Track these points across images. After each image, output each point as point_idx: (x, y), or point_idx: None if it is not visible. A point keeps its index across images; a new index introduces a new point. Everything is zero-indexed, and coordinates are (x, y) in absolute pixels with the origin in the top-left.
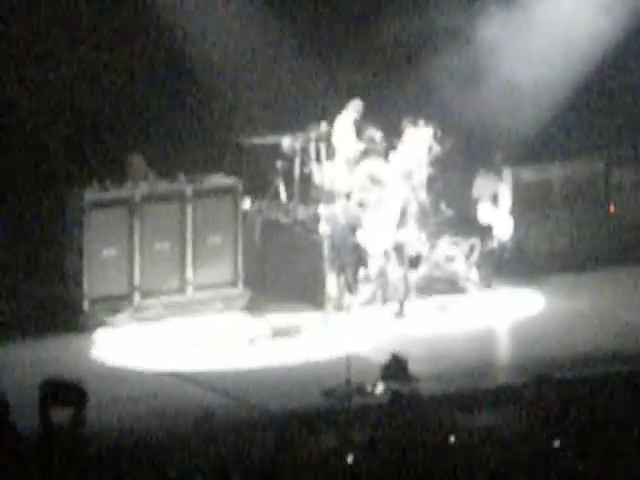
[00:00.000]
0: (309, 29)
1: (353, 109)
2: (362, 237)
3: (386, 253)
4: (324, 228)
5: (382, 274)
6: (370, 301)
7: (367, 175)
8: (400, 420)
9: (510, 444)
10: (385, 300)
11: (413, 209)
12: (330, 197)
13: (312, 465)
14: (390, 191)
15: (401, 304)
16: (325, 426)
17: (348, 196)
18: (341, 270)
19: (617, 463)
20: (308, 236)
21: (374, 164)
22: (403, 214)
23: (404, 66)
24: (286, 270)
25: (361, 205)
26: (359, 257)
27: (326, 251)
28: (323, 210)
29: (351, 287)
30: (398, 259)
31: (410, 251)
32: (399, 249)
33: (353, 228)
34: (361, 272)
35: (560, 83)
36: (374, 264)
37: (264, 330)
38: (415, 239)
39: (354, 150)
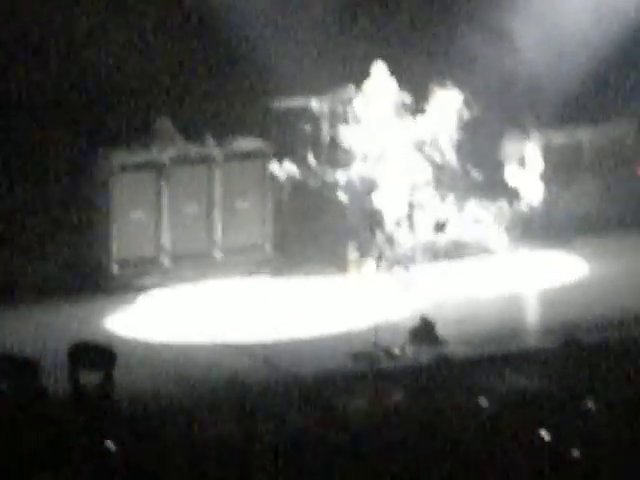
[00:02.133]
0: None
1: (376, 72)
2: (378, 201)
3: (398, 219)
4: (342, 192)
5: (390, 240)
6: (387, 267)
7: (393, 138)
8: (434, 383)
9: (540, 406)
10: (392, 266)
11: (427, 175)
12: (353, 160)
13: (343, 428)
14: (400, 155)
15: (409, 271)
16: (356, 389)
17: (366, 159)
18: (359, 234)
19: None
20: (335, 199)
21: (401, 127)
22: (415, 180)
23: (433, 28)
24: (314, 233)
25: (379, 169)
26: (376, 222)
27: (347, 215)
28: (341, 174)
29: (369, 252)
30: (409, 225)
31: (427, 216)
32: (411, 215)
33: (369, 192)
34: (378, 237)
35: (590, 46)
36: (389, 229)
37: (290, 294)
38: (431, 204)
39: (382, 113)
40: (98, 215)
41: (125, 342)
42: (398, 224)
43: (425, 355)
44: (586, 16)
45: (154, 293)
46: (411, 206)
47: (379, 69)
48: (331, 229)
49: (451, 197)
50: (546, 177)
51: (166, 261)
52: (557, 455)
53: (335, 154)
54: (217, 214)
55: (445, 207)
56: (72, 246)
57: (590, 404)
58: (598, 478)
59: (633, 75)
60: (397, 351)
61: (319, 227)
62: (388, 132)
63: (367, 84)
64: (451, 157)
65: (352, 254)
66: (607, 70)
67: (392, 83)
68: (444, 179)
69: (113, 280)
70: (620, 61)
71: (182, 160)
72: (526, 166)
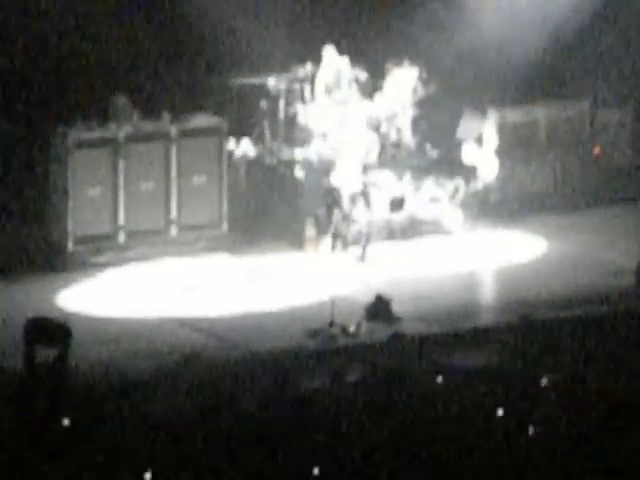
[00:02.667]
0: None
1: (327, 55)
2: (336, 180)
3: (352, 197)
4: (299, 170)
5: (346, 218)
6: (342, 245)
7: (348, 117)
8: (389, 360)
9: (496, 384)
10: (347, 244)
11: (384, 153)
12: (310, 138)
13: (301, 404)
14: (356, 133)
15: (363, 248)
16: (312, 366)
17: (324, 138)
18: (316, 212)
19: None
20: (292, 177)
21: (357, 106)
22: (366, 157)
23: (389, 6)
24: (270, 211)
25: (336, 148)
26: (333, 200)
27: (303, 193)
28: (299, 152)
29: (325, 230)
30: (365, 203)
31: (384, 195)
32: (365, 193)
33: (327, 170)
34: (335, 215)
35: (546, 24)
36: (346, 207)
37: (246, 271)
38: (388, 183)
39: (338, 91)
40: (54, 192)
41: (81, 318)
42: (355, 202)
43: (380, 332)
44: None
45: (110, 270)
46: (367, 184)
47: (329, 53)
48: (288, 207)
49: (408, 175)
50: (502, 155)
51: (122, 238)
52: (513, 433)
53: (292, 132)
54: (173, 191)
55: (402, 185)
56: (28, 223)
57: (544, 381)
58: (553, 456)
59: (589, 54)
60: (352, 328)
61: (276, 205)
62: (344, 110)
63: (322, 64)
64: (408, 135)
65: (309, 232)
66: (563, 48)
67: (345, 63)
68: (401, 157)
69: (69, 257)
70: (577, 39)
71: (138, 137)
72: (483, 144)
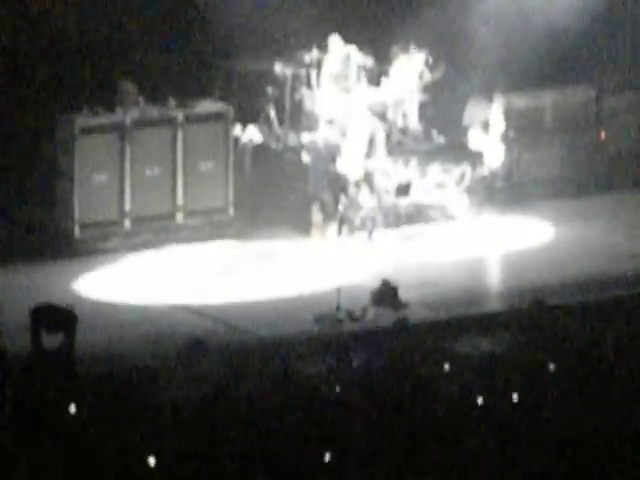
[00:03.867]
0: None
1: (333, 45)
2: (342, 165)
3: (357, 182)
4: (306, 156)
5: (352, 203)
6: (348, 230)
7: (354, 103)
8: (397, 346)
9: (503, 369)
10: (354, 229)
11: (391, 139)
12: (315, 124)
13: (305, 390)
14: (362, 119)
15: (370, 233)
16: (318, 351)
17: (330, 123)
18: (323, 198)
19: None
20: (298, 162)
21: (363, 92)
22: (372, 143)
23: None
24: (276, 196)
25: (342, 133)
26: (339, 185)
27: (310, 178)
28: (305, 138)
29: (332, 215)
30: (369, 188)
31: (390, 180)
32: (369, 178)
33: (333, 156)
34: (342, 200)
35: (554, 9)
36: (352, 193)
37: (252, 257)
38: (387, 168)
39: (345, 77)
40: (61, 178)
41: (87, 304)
42: (361, 188)
43: (386, 318)
44: None
45: (116, 256)
46: (374, 170)
47: (335, 42)
48: (294, 192)
49: (414, 161)
50: (508, 141)
51: (128, 224)
52: (522, 417)
53: (298, 118)
54: (179, 177)
55: (408, 171)
56: (35, 209)
57: (552, 367)
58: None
59: (596, 39)
60: (358, 314)
61: (282, 190)
62: (351, 96)
63: (328, 53)
64: (414, 121)
65: (315, 217)
66: (570, 33)
67: (353, 50)
68: (407, 143)
69: (76, 243)
70: (584, 24)
71: (145, 122)
72: (489, 130)
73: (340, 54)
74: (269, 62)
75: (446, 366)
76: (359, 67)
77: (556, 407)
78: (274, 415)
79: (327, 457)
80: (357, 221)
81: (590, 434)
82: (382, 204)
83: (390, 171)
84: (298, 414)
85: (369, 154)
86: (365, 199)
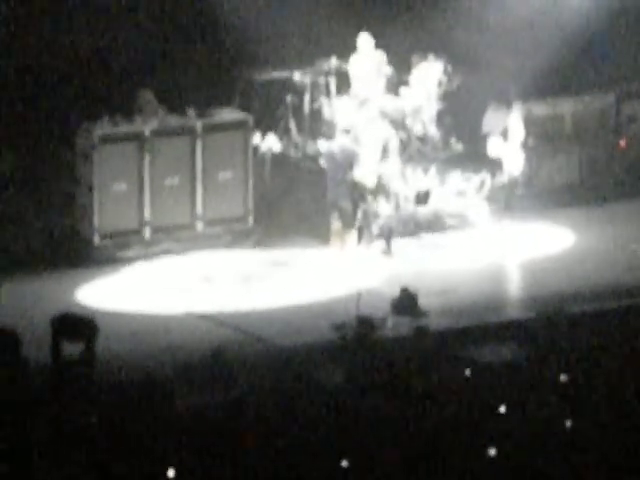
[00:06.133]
0: None
1: (362, 43)
2: (361, 173)
3: (375, 190)
4: (323, 164)
5: (371, 211)
6: (368, 238)
7: (376, 111)
8: (417, 354)
9: (522, 377)
10: (373, 238)
11: (410, 147)
12: (335, 132)
13: (321, 398)
14: (381, 127)
15: (387, 242)
16: (337, 359)
17: (349, 131)
18: (342, 206)
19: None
20: (317, 170)
21: (383, 99)
22: (390, 151)
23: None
24: (295, 205)
25: (361, 141)
26: (358, 193)
27: (328, 187)
28: (322, 146)
29: (351, 223)
30: (386, 196)
31: (410, 188)
32: (387, 186)
33: (352, 164)
34: (361, 208)
35: (573, 16)
36: (371, 201)
37: (272, 265)
38: (406, 176)
39: (367, 85)
40: (80, 187)
41: (107, 314)
42: (380, 196)
43: (406, 326)
44: None
45: (136, 265)
46: (393, 178)
47: (365, 40)
48: (313, 200)
49: (433, 169)
50: (528, 148)
51: (148, 233)
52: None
53: (317, 126)
54: (199, 186)
55: (427, 179)
56: (54, 218)
57: (569, 376)
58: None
59: (613, 46)
60: (378, 322)
61: (301, 199)
62: (370, 104)
63: (353, 56)
64: (433, 129)
65: (334, 225)
66: (589, 40)
67: (379, 54)
68: (426, 151)
69: (95, 252)
70: (601, 32)
71: (164, 132)
72: (509, 137)
73: (369, 53)
74: (288, 71)
75: (467, 372)
76: (379, 74)
77: (576, 416)
78: (293, 423)
79: (344, 464)
80: (375, 229)
81: (613, 445)
82: (401, 212)
83: (409, 179)
84: (316, 422)
85: (387, 162)
86: (382, 207)
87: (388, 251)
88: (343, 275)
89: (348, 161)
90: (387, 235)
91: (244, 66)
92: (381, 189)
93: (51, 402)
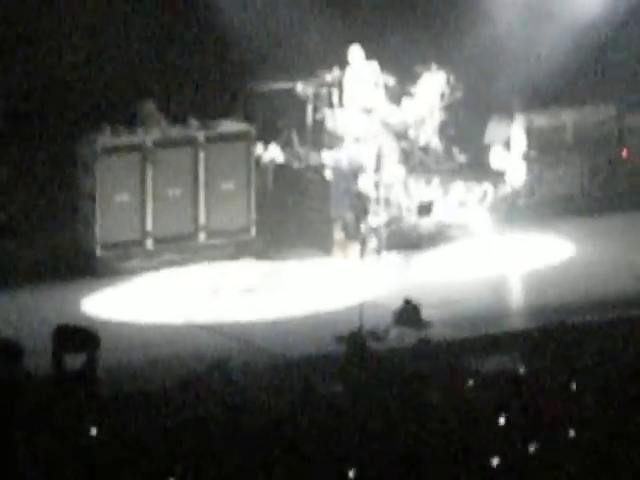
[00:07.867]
0: None
1: (353, 55)
2: (364, 185)
3: (383, 202)
4: (327, 175)
5: (376, 222)
6: (370, 249)
7: (377, 121)
8: (419, 365)
9: (525, 388)
10: (377, 249)
11: (412, 158)
12: (338, 143)
13: (323, 409)
14: (386, 139)
15: (378, 253)
16: (340, 371)
17: (352, 142)
18: (344, 217)
19: (630, 406)
20: (320, 181)
21: (385, 110)
22: (391, 162)
23: (418, 10)
24: (298, 216)
25: (364, 152)
26: (361, 205)
27: (332, 197)
28: (327, 156)
29: (354, 235)
30: (395, 208)
31: (412, 199)
32: (395, 198)
33: (355, 175)
34: (364, 220)
35: (574, 28)
36: (374, 212)
37: (274, 276)
38: (416, 187)
39: (367, 96)
40: (82, 198)
41: (109, 325)
42: (383, 207)
43: (409, 338)
44: (568, 3)
45: (138, 276)
46: (396, 189)
47: (355, 52)
48: (316, 212)
49: (436, 180)
50: (530, 159)
51: (150, 244)
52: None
53: (320, 137)
54: (201, 197)
55: (430, 190)
56: (56, 229)
57: (573, 386)
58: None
59: (614, 57)
60: (381, 333)
61: (304, 210)
62: (372, 115)
63: (350, 67)
64: (436, 140)
65: (337, 236)
66: (590, 51)
67: (373, 65)
68: (429, 162)
69: (97, 263)
70: (604, 42)
71: (166, 143)
72: (511, 148)
73: (361, 66)
74: (291, 82)
75: (470, 383)
76: (380, 85)
77: (579, 427)
78: (295, 434)
79: (351, 474)
80: (379, 240)
81: (617, 455)
82: (405, 223)
83: (412, 190)
84: (319, 433)
85: (388, 173)
86: (388, 218)
87: (391, 262)
88: (346, 286)
89: (352, 172)
90: (377, 244)
91: (247, 77)
92: (386, 200)
93: (52, 414)
